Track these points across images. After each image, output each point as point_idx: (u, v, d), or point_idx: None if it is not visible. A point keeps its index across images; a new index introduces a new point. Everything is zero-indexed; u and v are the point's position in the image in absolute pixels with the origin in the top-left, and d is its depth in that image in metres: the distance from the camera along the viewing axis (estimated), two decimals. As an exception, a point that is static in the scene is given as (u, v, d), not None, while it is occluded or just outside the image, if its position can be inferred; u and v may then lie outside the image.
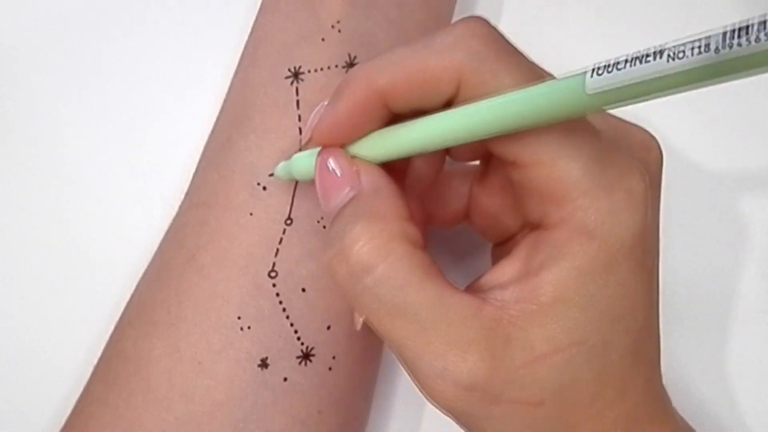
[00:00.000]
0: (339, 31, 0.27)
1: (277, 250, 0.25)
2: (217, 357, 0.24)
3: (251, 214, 0.25)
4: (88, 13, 0.36)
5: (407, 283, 0.20)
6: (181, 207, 0.28)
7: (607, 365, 0.20)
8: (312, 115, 0.24)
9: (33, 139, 0.34)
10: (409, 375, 0.21)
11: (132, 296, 0.27)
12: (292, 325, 0.25)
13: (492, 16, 0.36)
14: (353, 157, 0.23)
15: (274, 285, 0.25)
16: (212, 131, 0.29)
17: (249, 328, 0.24)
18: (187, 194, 0.28)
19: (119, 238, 0.33)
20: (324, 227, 0.26)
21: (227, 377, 0.24)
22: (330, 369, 0.25)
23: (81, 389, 0.26)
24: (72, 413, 0.26)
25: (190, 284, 0.25)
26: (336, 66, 0.27)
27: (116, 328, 0.27)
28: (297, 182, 0.26)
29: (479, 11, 0.36)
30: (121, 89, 0.35)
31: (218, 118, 0.29)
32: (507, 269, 0.21)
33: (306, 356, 0.25)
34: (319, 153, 0.23)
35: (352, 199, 0.22)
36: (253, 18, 0.30)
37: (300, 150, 0.26)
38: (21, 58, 0.35)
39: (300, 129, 0.26)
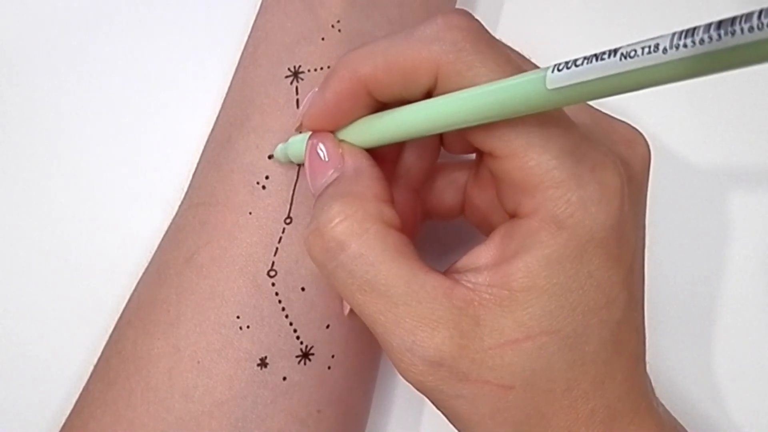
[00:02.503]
0: (339, 30, 0.27)
1: (277, 249, 0.25)
2: (216, 356, 0.24)
3: (250, 213, 0.25)
4: (87, 13, 0.36)
5: (380, 261, 0.20)
6: (180, 206, 0.28)
7: (581, 356, 0.21)
8: (305, 101, 0.25)
9: (33, 138, 0.34)
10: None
11: (132, 296, 0.27)
12: (291, 324, 0.25)
13: (492, 14, 0.37)
14: (341, 141, 0.24)
15: (273, 284, 0.25)
16: (212, 131, 0.29)
17: (248, 327, 0.24)
18: (186, 194, 0.28)
19: (119, 237, 0.33)
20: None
21: (227, 376, 0.24)
22: (329, 368, 0.25)
23: (81, 389, 0.26)
24: (72, 413, 0.26)
25: (189, 284, 0.25)
26: None
27: (116, 327, 0.27)
28: (296, 181, 0.26)
29: (479, 10, 0.36)
30: (121, 89, 0.35)
31: (218, 118, 0.29)
32: (481, 254, 0.22)
33: (305, 355, 0.25)
34: (309, 137, 0.24)
35: (334, 179, 0.23)
36: (253, 18, 0.30)
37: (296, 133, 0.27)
38: (21, 58, 0.35)
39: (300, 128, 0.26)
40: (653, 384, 0.24)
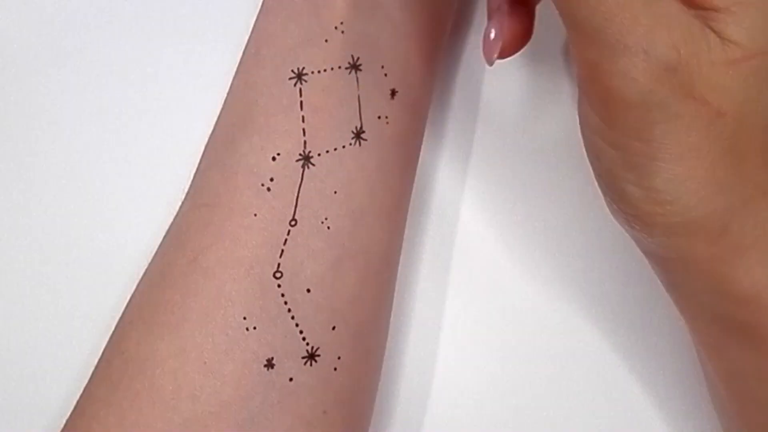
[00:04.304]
0: (342, 32, 0.27)
1: (282, 251, 0.25)
2: (223, 357, 0.24)
3: (256, 215, 0.25)
4: (88, 13, 0.36)
5: None
6: (182, 208, 0.28)
7: None
8: None
9: (33, 138, 0.34)
10: (596, 71, 0.21)
11: (133, 296, 0.27)
12: (297, 325, 0.25)
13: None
14: None
15: (279, 286, 0.25)
16: (213, 132, 0.29)
17: (255, 328, 0.24)
18: (188, 195, 0.28)
19: (119, 237, 0.33)
20: (328, 228, 0.26)
21: (234, 377, 0.24)
22: (335, 369, 0.25)
23: (81, 389, 0.26)
24: (73, 414, 0.26)
25: (194, 285, 0.25)
26: (339, 67, 0.27)
27: (117, 328, 0.27)
28: (300, 183, 0.26)
29: (479, 13, 0.37)
30: (121, 89, 0.35)
31: (220, 119, 0.29)
32: None
33: (311, 356, 0.25)
34: None
35: None
36: (254, 18, 0.30)
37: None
38: (21, 58, 0.35)
39: (304, 130, 0.26)
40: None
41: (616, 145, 0.22)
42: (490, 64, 0.27)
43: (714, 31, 0.20)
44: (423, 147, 0.31)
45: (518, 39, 0.27)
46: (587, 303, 0.32)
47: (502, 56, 0.27)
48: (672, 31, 0.20)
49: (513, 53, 0.27)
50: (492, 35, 0.27)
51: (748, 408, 0.24)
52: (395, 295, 0.30)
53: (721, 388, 0.25)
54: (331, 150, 0.26)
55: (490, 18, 0.28)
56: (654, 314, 0.27)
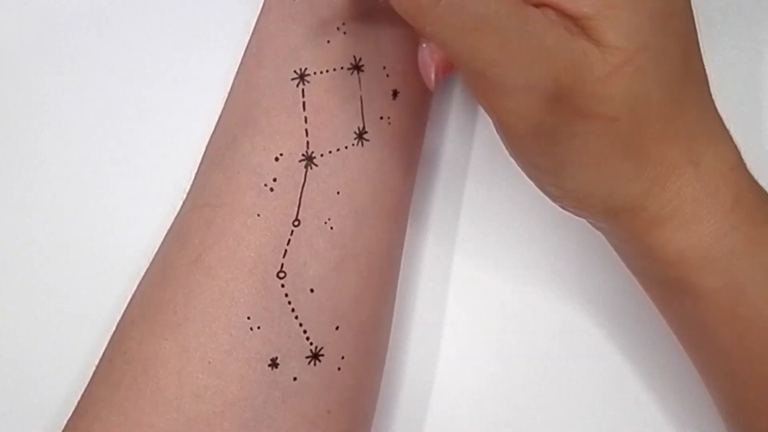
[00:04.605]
0: (344, 33, 0.28)
1: (285, 251, 0.25)
2: (227, 357, 0.24)
3: (259, 215, 0.25)
4: (89, 13, 0.36)
5: None
6: (183, 207, 0.28)
7: (666, 74, 0.21)
8: None
9: (34, 138, 0.34)
10: (486, 107, 0.22)
11: (134, 296, 0.27)
12: (301, 325, 0.25)
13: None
14: None
15: (282, 285, 0.25)
16: (215, 132, 0.29)
17: (259, 328, 0.24)
18: (189, 194, 0.28)
19: (119, 237, 0.33)
20: (331, 228, 0.26)
21: (238, 377, 0.24)
22: (339, 369, 0.25)
23: (81, 389, 0.26)
24: (74, 414, 0.26)
25: (197, 285, 0.25)
26: (342, 68, 0.27)
27: (118, 328, 0.27)
28: (303, 184, 0.26)
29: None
30: (121, 89, 0.35)
31: (221, 119, 0.29)
32: None
33: (315, 356, 0.25)
34: None
35: None
36: (254, 18, 0.30)
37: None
38: (21, 58, 0.35)
39: (306, 131, 0.26)
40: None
41: (527, 160, 0.24)
42: (431, 88, 0.27)
43: (594, 41, 0.21)
44: (423, 147, 0.31)
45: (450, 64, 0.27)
46: (587, 303, 0.32)
47: (437, 77, 0.27)
48: (552, 63, 0.20)
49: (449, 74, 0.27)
50: (425, 62, 0.26)
51: (700, 356, 0.26)
52: (397, 294, 0.30)
53: (679, 342, 0.27)
54: (334, 150, 0.26)
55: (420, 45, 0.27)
56: (654, 314, 0.27)
